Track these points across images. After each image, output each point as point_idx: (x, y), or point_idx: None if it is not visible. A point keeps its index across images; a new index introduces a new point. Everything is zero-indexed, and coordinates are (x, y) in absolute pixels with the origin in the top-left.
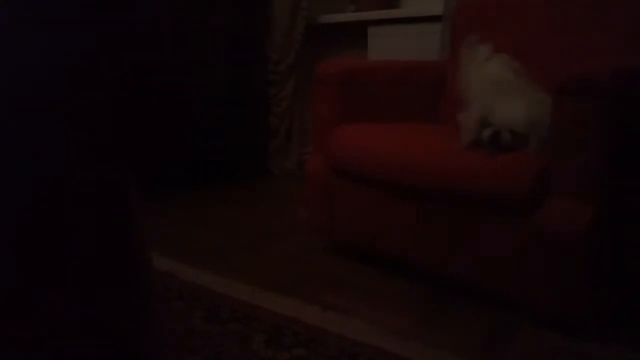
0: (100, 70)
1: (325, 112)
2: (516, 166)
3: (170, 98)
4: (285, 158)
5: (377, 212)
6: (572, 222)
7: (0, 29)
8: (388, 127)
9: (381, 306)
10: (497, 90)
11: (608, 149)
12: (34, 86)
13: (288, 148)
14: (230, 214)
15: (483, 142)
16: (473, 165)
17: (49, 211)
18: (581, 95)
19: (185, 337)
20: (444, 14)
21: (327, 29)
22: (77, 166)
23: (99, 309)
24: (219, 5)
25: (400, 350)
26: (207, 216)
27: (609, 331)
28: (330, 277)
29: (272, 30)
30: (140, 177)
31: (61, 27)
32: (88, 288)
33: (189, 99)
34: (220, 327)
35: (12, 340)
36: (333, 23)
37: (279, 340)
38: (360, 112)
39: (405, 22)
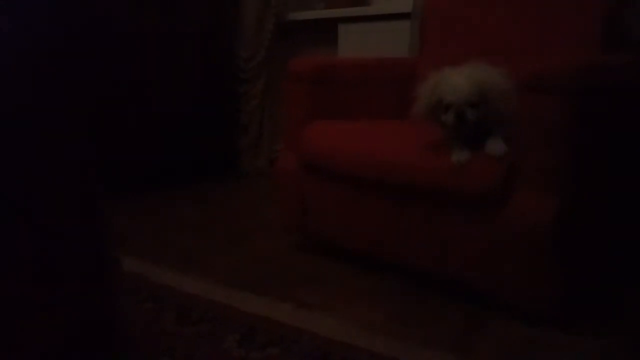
0: (65, 62)
1: (296, 109)
2: (483, 162)
3: (139, 97)
4: (256, 156)
5: (348, 208)
6: (539, 215)
7: None
8: (359, 124)
9: (354, 302)
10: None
11: (572, 143)
12: None
13: (259, 146)
14: (201, 213)
15: (447, 126)
16: (442, 161)
17: (15, 212)
18: (543, 91)
19: (157, 338)
20: (412, 12)
21: (297, 26)
22: (43, 166)
23: (66, 309)
24: (188, 2)
25: (374, 346)
26: (178, 216)
27: (576, 320)
28: (303, 275)
29: (242, 27)
30: (109, 177)
31: (26, 15)
32: (55, 289)
33: (158, 98)
34: (191, 328)
35: None
36: (303, 20)
37: (252, 340)
38: (331, 109)
39: (375, 19)
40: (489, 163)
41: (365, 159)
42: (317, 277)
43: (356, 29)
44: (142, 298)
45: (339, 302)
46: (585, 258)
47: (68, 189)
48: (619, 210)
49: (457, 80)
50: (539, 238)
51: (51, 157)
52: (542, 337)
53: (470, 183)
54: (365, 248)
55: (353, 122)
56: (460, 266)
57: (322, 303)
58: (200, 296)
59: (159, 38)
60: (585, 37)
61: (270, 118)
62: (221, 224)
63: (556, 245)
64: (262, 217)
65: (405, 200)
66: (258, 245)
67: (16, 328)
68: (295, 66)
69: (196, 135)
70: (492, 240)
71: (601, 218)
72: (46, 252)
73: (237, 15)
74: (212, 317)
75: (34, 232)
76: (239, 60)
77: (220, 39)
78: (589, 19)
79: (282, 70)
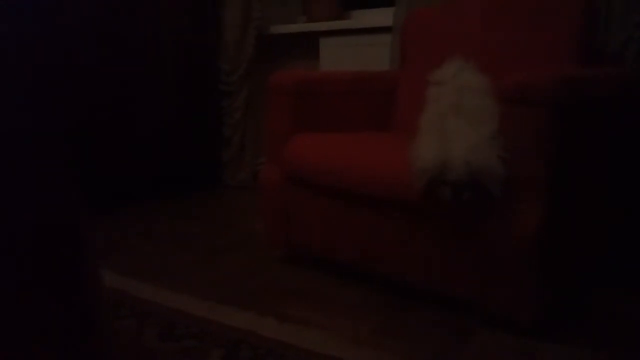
0: (44, 76)
1: (278, 122)
2: None
3: (120, 110)
4: (238, 169)
5: (332, 220)
6: (522, 226)
7: None
8: (341, 137)
9: (338, 315)
10: (456, 113)
11: (554, 154)
12: None
13: (241, 159)
14: (183, 227)
15: (444, 196)
16: None
17: None
18: (526, 103)
19: (138, 355)
20: (393, 25)
21: (279, 39)
22: (22, 181)
23: (45, 326)
24: (169, 16)
25: (358, 358)
26: (160, 230)
27: (561, 329)
28: (287, 288)
29: (224, 41)
30: (90, 191)
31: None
32: (33, 305)
33: (139, 111)
34: (175, 344)
35: None
36: (284, 34)
37: (237, 355)
38: (314, 122)
39: (356, 33)
40: None
41: (347, 172)
42: (301, 290)
43: (337, 43)
44: (124, 314)
45: (323, 315)
46: (569, 267)
47: (48, 204)
48: (604, 218)
49: (453, 152)
50: (523, 248)
51: (30, 169)
52: (528, 346)
53: None
54: (350, 261)
55: (335, 134)
56: (445, 278)
57: (306, 316)
58: (183, 311)
59: (140, 52)
60: (562, 50)
61: (252, 131)
62: (204, 238)
63: (541, 255)
64: (245, 230)
65: (388, 213)
66: (242, 258)
67: None
68: (277, 79)
69: (179, 149)
70: (477, 251)
71: (585, 227)
72: (25, 269)
73: (218, 29)
74: (196, 332)
75: (13, 250)
76: (221, 73)
77: (202, 53)
78: (565, 33)
79: (264, 83)
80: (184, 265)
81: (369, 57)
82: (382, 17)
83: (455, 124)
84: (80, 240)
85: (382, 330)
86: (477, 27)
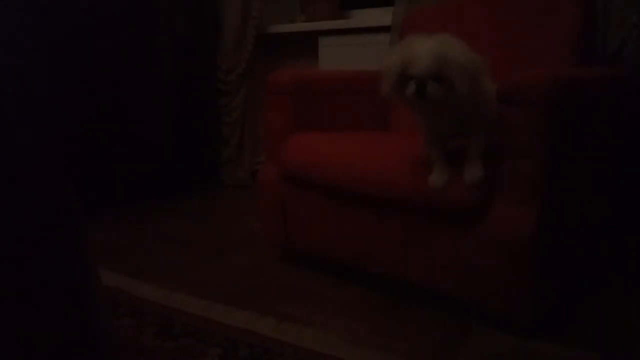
0: (38, 73)
1: (277, 121)
2: (462, 175)
3: (118, 110)
4: (237, 168)
5: (330, 219)
6: (517, 227)
7: None
8: (339, 136)
9: (336, 314)
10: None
11: (549, 155)
12: None
13: (240, 158)
14: (181, 226)
15: (409, 98)
16: (421, 176)
17: None
18: (521, 103)
19: (136, 354)
20: (392, 25)
21: (278, 38)
22: (20, 180)
23: (43, 325)
24: (168, 15)
25: (356, 357)
26: (158, 229)
27: (558, 330)
28: (285, 287)
29: (222, 40)
30: (88, 191)
31: None
32: (31, 304)
33: (138, 111)
34: (172, 343)
35: None
36: (283, 33)
37: (234, 354)
38: (312, 121)
39: (355, 32)
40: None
41: (345, 172)
42: (299, 289)
43: (336, 42)
44: (122, 313)
45: (321, 314)
46: (564, 266)
47: (45, 205)
48: (599, 218)
49: (420, 51)
50: (518, 248)
51: (28, 170)
52: (525, 346)
53: (449, 199)
54: (348, 260)
55: (334, 134)
56: (442, 277)
57: (304, 315)
58: (181, 310)
59: (139, 51)
60: (560, 51)
61: (251, 130)
62: (202, 237)
63: (538, 255)
64: (243, 230)
65: (386, 213)
66: (240, 258)
67: None
68: (275, 78)
69: (177, 148)
70: (473, 252)
71: (583, 227)
72: (23, 269)
73: (217, 28)
74: (194, 331)
75: (10, 250)
76: (220, 72)
77: (200, 52)
78: (563, 33)
79: (263, 82)
80: (182, 265)
81: (367, 57)
82: (381, 16)
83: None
84: (78, 240)
85: (380, 329)
86: (475, 27)
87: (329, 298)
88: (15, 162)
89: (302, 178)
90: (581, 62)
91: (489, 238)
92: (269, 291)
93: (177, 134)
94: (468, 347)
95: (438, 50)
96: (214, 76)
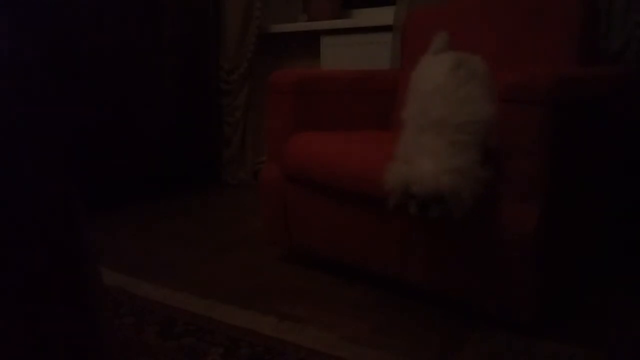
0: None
1: (278, 121)
2: None
3: (121, 109)
4: (239, 168)
5: (332, 219)
6: (520, 225)
7: None
8: (341, 136)
9: (338, 313)
10: (440, 130)
11: (551, 154)
12: None
13: (242, 158)
14: (183, 226)
15: (412, 210)
16: None
17: None
18: (523, 102)
19: (138, 352)
20: (394, 24)
21: (280, 38)
22: (22, 179)
23: (46, 325)
24: (170, 14)
25: (357, 356)
26: (160, 228)
27: (559, 329)
28: (286, 287)
29: (224, 39)
30: (91, 190)
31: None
32: (34, 303)
33: (140, 111)
34: (174, 342)
35: None
36: (285, 32)
37: (236, 353)
38: (314, 121)
39: (357, 31)
40: None
41: (346, 171)
42: (301, 289)
43: (338, 42)
44: (123, 312)
45: (323, 314)
46: (568, 266)
47: (46, 203)
48: (600, 216)
49: (425, 167)
50: (520, 249)
51: (29, 168)
52: (527, 345)
53: None
54: (349, 259)
55: (336, 133)
56: (444, 276)
57: (306, 315)
58: (183, 309)
59: (141, 51)
60: (562, 50)
61: (253, 130)
62: (204, 236)
63: (539, 254)
64: (245, 229)
65: (387, 212)
66: (242, 257)
67: None
68: (277, 78)
69: (179, 148)
70: (474, 251)
71: (584, 226)
72: (25, 268)
73: (219, 28)
74: (195, 330)
75: (12, 249)
76: (222, 72)
77: (202, 51)
78: (565, 33)
79: (265, 82)
80: (184, 264)
81: (369, 56)
82: (382, 16)
83: (434, 141)
84: (80, 240)
85: (381, 328)
86: (477, 27)
87: (330, 297)
88: (16, 161)
89: (304, 177)
90: (584, 61)
91: (490, 236)
92: (270, 290)
93: (179, 134)
94: (469, 345)
95: (438, 172)
96: (216, 76)
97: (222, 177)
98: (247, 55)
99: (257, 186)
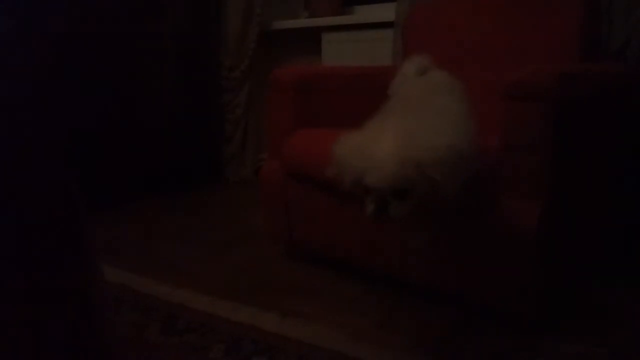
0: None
1: (280, 118)
2: None
3: (121, 106)
4: (240, 165)
5: (333, 216)
6: (523, 221)
7: None
8: (342, 133)
9: (339, 310)
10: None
11: (554, 150)
12: None
13: (243, 155)
14: (185, 223)
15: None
16: None
17: None
18: (526, 98)
19: (141, 349)
20: (395, 21)
21: (281, 35)
22: (24, 177)
23: (47, 322)
24: (170, 11)
25: (359, 353)
26: (162, 225)
27: (561, 325)
28: (288, 283)
29: (225, 36)
30: (92, 188)
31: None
32: (36, 301)
33: (140, 107)
34: (177, 338)
35: None
36: (287, 29)
37: (238, 349)
38: (315, 117)
39: (358, 28)
40: None
41: None
42: (303, 285)
43: (340, 38)
44: (126, 308)
45: (325, 310)
46: (568, 261)
47: (48, 200)
48: (604, 213)
49: (381, 153)
50: (522, 244)
51: (31, 165)
52: (528, 341)
53: None
54: (350, 256)
55: (337, 130)
56: (445, 272)
57: (308, 311)
58: (185, 306)
59: (142, 47)
60: (564, 47)
61: (254, 127)
62: (206, 233)
63: (541, 250)
64: (247, 226)
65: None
66: (244, 254)
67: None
68: (278, 75)
69: (180, 145)
70: (477, 246)
71: (587, 222)
72: (27, 266)
73: (220, 24)
74: (198, 326)
75: (14, 247)
76: (223, 69)
77: (203, 48)
78: (567, 30)
79: (266, 79)
80: (185, 260)
81: (371, 53)
82: (384, 12)
83: (403, 120)
84: (82, 237)
85: (383, 324)
86: (480, 23)
87: (332, 294)
88: (18, 159)
89: (305, 174)
90: (586, 57)
91: (492, 232)
92: (272, 287)
93: (180, 131)
94: (471, 342)
95: (403, 154)
96: (216, 73)
97: (224, 175)
98: (248, 52)
99: (258, 183)
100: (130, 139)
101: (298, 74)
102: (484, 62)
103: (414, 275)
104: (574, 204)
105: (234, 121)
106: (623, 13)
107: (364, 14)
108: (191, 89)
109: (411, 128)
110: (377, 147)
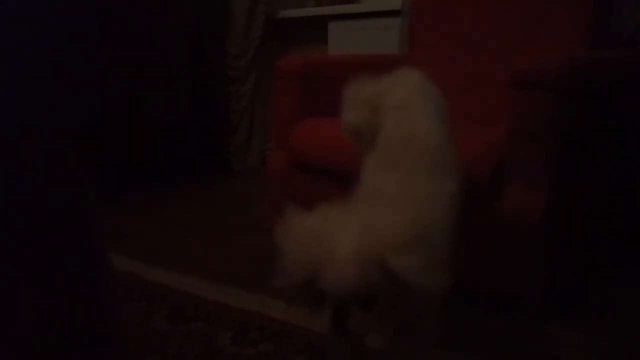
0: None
1: (286, 107)
2: (475, 158)
3: (129, 95)
4: (246, 155)
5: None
6: (529, 210)
7: None
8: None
9: None
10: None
11: (562, 139)
12: None
13: (249, 145)
14: (191, 212)
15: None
16: None
17: (2, 213)
18: (532, 87)
19: (148, 337)
20: (402, 9)
21: (287, 24)
22: (31, 164)
23: (55, 311)
24: (177, 2)
25: (366, 342)
26: (169, 214)
27: (569, 314)
28: None
29: (232, 25)
30: (100, 177)
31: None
32: (45, 290)
33: (147, 97)
34: (184, 326)
35: None
36: (293, 18)
37: (245, 337)
38: (321, 107)
39: (364, 16)
40: (480, 158)
41: (354, 157)
42: None
43: (346, 27)
44: (133, 297)
45: None
46: (575, 250)
47: (56, 189)
48: (614, 203)
49: (337, 253)
50: (528, 234)
51: (39, 154)
52: (536, 330)
53: None
54: None
55: None
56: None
57: None
58: (192, 294)
59: (148, 38)
60: (573, 35)
61: (261, 117)
62: (212, 222)
63: (546, 239)
64: (253, 215)
65: None
66: (250, 242)
67: (7, 331)
68: (284, 64)
69: (187, 135)
70: (483, 235)
71: (595, 212)
72: (35, 253)
73: (226, 13)
74: (205, 314)
75: (23, 235)
76: (229, 58)
77: (210, 38)
78: (577, 17)
79: (272, 68)
80: (192, 249)
81: (378, 41)
82: (390, 0)
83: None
84: (90, 225)
85: None
86: (487, 11)
87: None
88: (27, 148)
89: (311, 164)
90: (595, 45)
91: (500, 221)
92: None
93: (187, 121)
94: (480, 331)
95: (367, 251)
96: (223, 62)
97: (230, 164)
98: (254, 41)
99: (264, 172)
100: (137, 129)
101: (304, 63)
102: (491, 50)
103: None
104: (582, 192)
105: (240, 111)
106: (633, 0)
107: (370, 2)
108: (198, 79)
109: (378, 219)
110: (333, 242)
